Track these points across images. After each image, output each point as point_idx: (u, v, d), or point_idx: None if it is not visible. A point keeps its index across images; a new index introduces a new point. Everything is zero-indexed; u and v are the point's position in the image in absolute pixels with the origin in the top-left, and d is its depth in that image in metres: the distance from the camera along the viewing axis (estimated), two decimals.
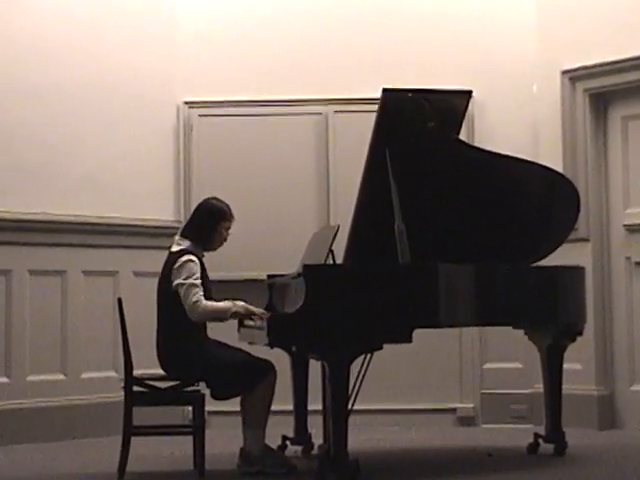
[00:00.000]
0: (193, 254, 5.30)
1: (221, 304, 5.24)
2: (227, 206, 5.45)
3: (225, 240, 5.47)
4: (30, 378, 6.55)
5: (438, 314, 5.01)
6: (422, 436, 6.57)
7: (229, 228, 5.45)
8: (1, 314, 6.48)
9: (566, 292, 5.69)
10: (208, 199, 5.52)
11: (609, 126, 6.93)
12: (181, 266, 5.24)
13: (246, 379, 5.19)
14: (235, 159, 7.19)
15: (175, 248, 5.38)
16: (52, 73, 6.72)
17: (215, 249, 5.48)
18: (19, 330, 6.52)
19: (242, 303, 5.28)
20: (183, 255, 5.28)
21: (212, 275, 5.49)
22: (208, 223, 5.40)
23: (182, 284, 5.21)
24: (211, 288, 5.37)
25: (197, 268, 5.26)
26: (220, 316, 5.26)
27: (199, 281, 5.23)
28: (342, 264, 5.51)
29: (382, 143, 5.27)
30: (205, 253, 5.43)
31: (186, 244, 5.36)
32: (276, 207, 7.16)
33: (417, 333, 4.94)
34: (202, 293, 5.21)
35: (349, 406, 4.92)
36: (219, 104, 7.19)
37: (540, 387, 6.02)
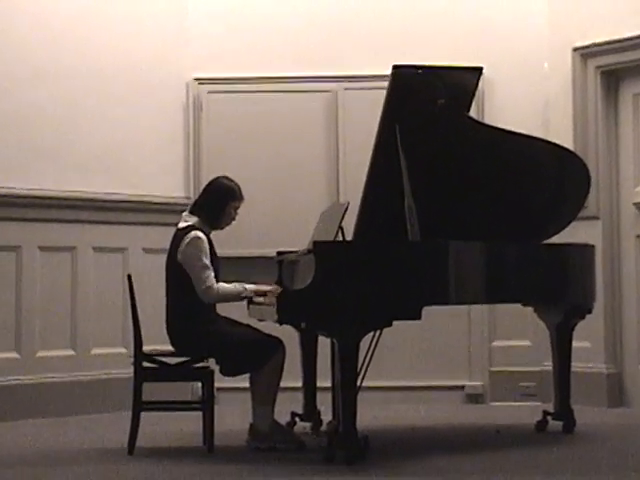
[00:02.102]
0: (201, 231, 5.30)
1: (233, 289, 5.26)
2: (237, 186, 5.44)
3: (233, 219, 5.46)
4: (40, 354, 6.57)
5: (448, 292, 5.01)
6: (431, 413, 6.58)
7: (238, 208, 5.44)
8: (11, 290, 6.50)
9: (576, 270, 5.68)
10: (218, 178, 5.50)
11: (620, 103, 6.91)
12: (189, 243, 5.24)
13: (255, 356, 5.19)
14: (245, 136, 7.18)
15: (182, 224, 5.38)
16: (62, 51, 6.72)
17: (222, 228, 5.47)
18: (29, 306, 6.54)
19: (253, 287, 5.30)
20: (191, 231, 5.28)
21: (222, 252, 5.50)
22: (217, 202, 5.39)
23: (193, 264, 5.21)
24: (219, 266, 5.38)
25: (206, 245, 5.26)
26: (231, 299, 5.30)
27: (209, 261, 5.24)
28: (352, 241, 5.51)
29: (392, 120, 5.26)
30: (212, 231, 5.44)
31: (193, 220, 5.35)
32: (286, 184, 7.15)
33: (426, 310, 4.94)
34: (213, 275, 5.23)
35: (358, 383, 4.92)
36: (229, 81, 7.18)
37: (549, 365, 6.02)
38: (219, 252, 5.45)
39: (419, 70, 5.32)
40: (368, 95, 6.69)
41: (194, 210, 5.43)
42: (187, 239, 5.25)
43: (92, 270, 6.80)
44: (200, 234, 5.27)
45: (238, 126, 7.19)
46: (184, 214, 5.45)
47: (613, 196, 6.89)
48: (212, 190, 5.45)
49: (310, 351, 5.90)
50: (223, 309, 5.47)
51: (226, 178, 5.48)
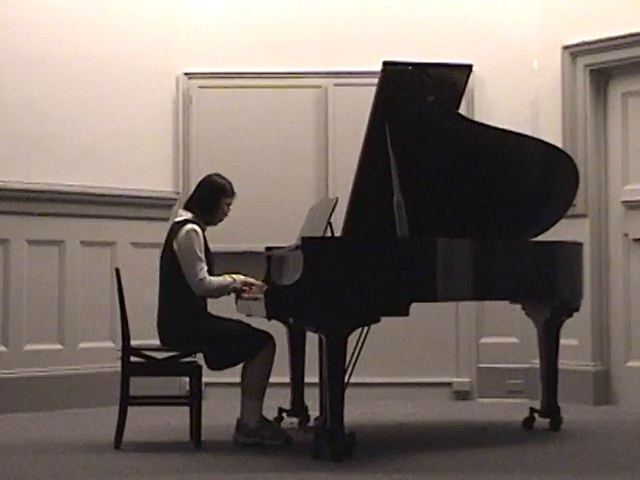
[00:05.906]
0: (196, 224, 5.34)
1: (224, 280, 5.32)
2: (229, 182, 5.51)
3: (226, 215, 5.53)
4: (27, 347, 6.56)
5: (436, 288, 5.01)
6: (418, 410, 6.59)
7: (230, 204, 5.51)
8: None
9: (564, 268, 5.69)
10: (210, 175, 5.57)
11: (609, 102, 6.92)
12: (186, 235, 5.30)
13: (245, 348, 5.22)
14: (234, 131, 7.17)
15: (179, 218, 5.44)
16: (52, 44, 6.71)
17: (216, 224, 5.54)
18: (17, 300, 6.53)
19: (242, 277, 5.37)
20: (186, 224, 5.34)
21: (211, 247, 5.50)
22: (209, 199, 5.46)
23: (187, 256, 5.25)
24: (213, 260, 5.41)
25: (201, 239, 5.32)
26: (223, 292, 5.34)
27: (203, 254, 5.27)
28: (340, 237, 5.51)
29: (382, 116, 5.26)
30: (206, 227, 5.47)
31: (189, 216, 5.41)
32: (275, 179, 7.15)
33: (414, 307, 4.94)
34: (207, 268, 5.27)
35: (346, 379, 4.92)
36: (219, 75, 7.17)
37: (536, 362, 6.03)
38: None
39: (409, 67, 5.31)
40: (358, 91, 6.69)
41: (188, 206, 5.50)
42: (183, 231, 5.31)
43: (80, 264, 6.79)
44: (195, 227, 5.34)
45: (228, 121, 7.18)
46: (180, 210, 5.52)
47: (601, 194, 6.90)
48: (204, 188, 5.52)
49: (298, 347, 5.91)
50: (213, 306, 5.46)
51: (217, 175, 5.56)
